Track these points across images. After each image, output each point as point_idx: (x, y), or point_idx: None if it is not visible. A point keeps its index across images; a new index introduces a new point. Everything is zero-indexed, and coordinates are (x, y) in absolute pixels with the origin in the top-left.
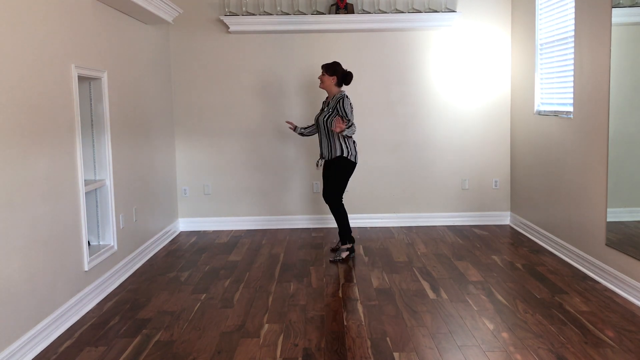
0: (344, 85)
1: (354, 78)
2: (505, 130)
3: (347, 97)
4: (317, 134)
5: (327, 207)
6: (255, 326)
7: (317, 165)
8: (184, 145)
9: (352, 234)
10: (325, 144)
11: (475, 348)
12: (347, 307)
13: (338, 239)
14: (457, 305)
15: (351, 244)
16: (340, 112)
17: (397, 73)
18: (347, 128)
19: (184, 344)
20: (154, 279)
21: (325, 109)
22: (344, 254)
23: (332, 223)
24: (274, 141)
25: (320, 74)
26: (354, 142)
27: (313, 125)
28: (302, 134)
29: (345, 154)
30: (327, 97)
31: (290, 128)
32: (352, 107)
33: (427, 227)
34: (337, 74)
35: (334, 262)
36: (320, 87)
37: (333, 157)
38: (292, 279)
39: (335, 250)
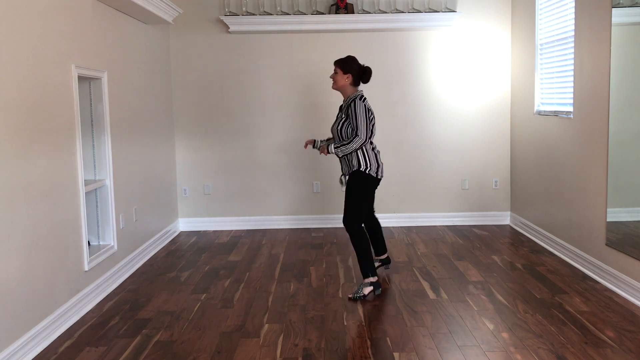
0: (361, 84)
1: None
2: (505, 130)
3: (361, 98)
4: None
5: (327, 206)
6: (255, 326)
7: (341, 182)
8: (184, 145)
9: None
10: (342, 157)
11: (475, 348)
12: (347, 307)
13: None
14: (457, 305)
15: (375, 278)
16: (350, 118)
17: (397, 73)
18: (341, 146)
19: (184, 344)
20: (154, 279)
21: (339, 115)
22: (367, 290)
23: (333, 223)
24: (274, 141)
25: (332, 71)
26: (375, 151)
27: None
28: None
29: (362, 168)
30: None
31: (308, 145)
32: (368, 111)
33: (427, 227)
34: (353, 71)
35: (353, 299)
36: (333, 87)
37: (350, 171)
38: (292, 279)
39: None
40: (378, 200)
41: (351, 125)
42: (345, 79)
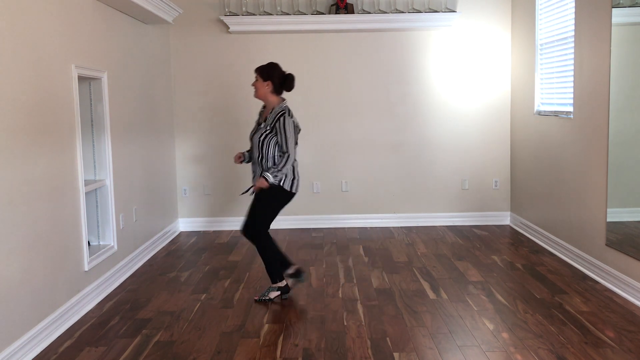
0: (284, 93)
1: (355, 78)
2: (505, 130)
3: (289, 114)
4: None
5: (327, 206)
6: (255, 326)
7: (249, 192)
8: (184, 145)
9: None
10: (257, 168)
11: (475, 348)
12: (347, 307)
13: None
14: (457, 305)
15: (284, 284)
16: (278, 134)
17: (397, 73)
18: (278, 172)
19: (184, 344)
20: (154, 279)
21: (262, 125)
22: (273, 294)
23: (333, 223)
24: None
25: (254, 79)
26: (294, 164)
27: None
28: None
29: (279, 182)
30: (263, 107)
31: (239, 161)
32: (297, 128)
33: (427, 227)
34: (273, 78)
35: (259, 301)
36: (254, 96)
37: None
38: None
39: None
40: (377, 200)
41: (278, 142)
42: (265, 87)
